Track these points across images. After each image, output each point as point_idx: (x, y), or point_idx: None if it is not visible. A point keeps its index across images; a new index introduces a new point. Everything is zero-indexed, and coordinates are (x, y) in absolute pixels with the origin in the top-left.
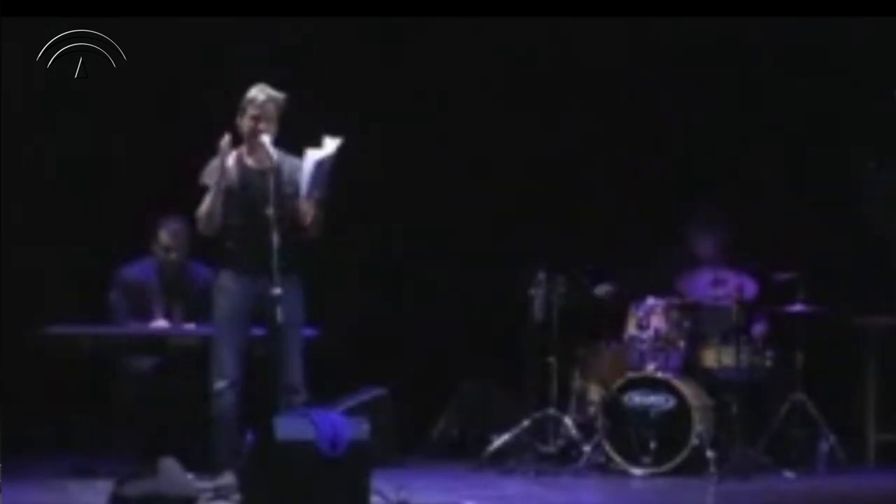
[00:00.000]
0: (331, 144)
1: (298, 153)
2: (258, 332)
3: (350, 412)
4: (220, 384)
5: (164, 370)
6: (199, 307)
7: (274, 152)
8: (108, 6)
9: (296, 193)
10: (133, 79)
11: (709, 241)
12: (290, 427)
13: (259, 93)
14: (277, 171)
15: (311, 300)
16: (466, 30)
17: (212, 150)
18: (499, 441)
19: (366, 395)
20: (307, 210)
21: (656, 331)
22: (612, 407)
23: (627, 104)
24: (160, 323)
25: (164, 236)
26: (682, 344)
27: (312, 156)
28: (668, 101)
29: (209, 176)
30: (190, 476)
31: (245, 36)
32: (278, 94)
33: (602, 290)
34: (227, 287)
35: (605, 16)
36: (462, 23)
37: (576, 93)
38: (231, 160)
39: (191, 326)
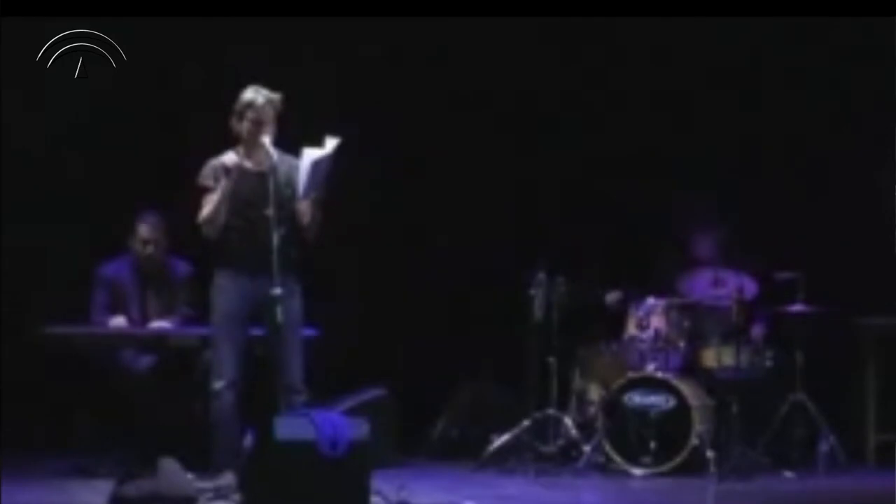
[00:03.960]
0: (330, 144)
1: (296, 152)
2: (257, 332)
3: (350, 412)
4: (218, 384)
5: (162, 370)
6: (179, 300)
7: (274, 153)
8: (108, 6)
9: (294, 194)
10: (132, 79)
11: (709, 241)
12: (290, 427)
13: (257, 96)
14: (276, 171)
15: (312, 300)
16: (470, 29)
17: (210, 151)
18: (499, 441)
19: (366, 395)
20: (304, 210)
21: (656, 331)
22: (612, 407)
23: (628, 104)
24: (118, 321)
25: (143, 229)
26: (682, 344)
27: (310, 155)
28: (668, 101)
29: (208, 177)
30: (190, 476)
31: (245, 36)
32: (275, 96)
33: (613, 297)
34: (226, 287)
35: (606, 16)
36: (465, 22)
37: (576, 93)
38: (230, 163)
39: (165, 324)
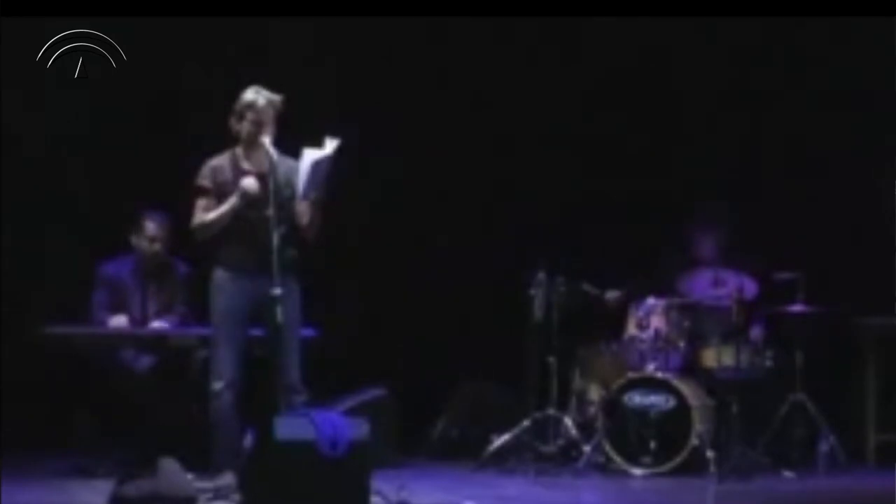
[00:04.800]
0: (330, 145)
1: (296, 153)
2: (256, 332)
3: (350, 412)
4: (217, 385)
5: (162, 370)
6: (178, 299)
7: (274, 153)
8: (108, 6)
9: (293, 195)
10: (132, 79)
11: (709, 241)
12: (290, 427)
13: (257, 97)
14: (276, 171)
15: (312, 300)
16: (470, 29)
17: (210, 151)
18: (499, 441)
19: (366, 395)
20: (304, 211)
21: (656, 331)
22: (612, 407)
23: (628, 105)
24: (118, 321)
25: (150, 227)
26: (682, 344)
27: (310, 156)
28: (668, 102)
29: (205, 178)
30: (190, 476)
31: (245, 36)
32: (275, 97)
33: (612, 295)
34: (225, 287)
35: (605, 16)
36: (466, 22)
37: (576, 93)
38: (226, 162)
39: (164, 324)
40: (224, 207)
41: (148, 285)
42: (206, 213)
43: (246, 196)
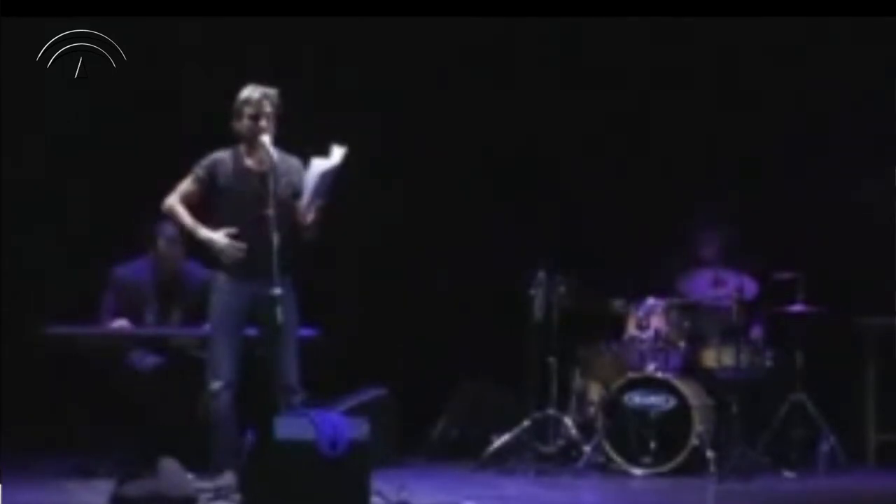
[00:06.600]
0: (336, 154)
1: (298, 154)
2: (253, 332)
3: (350, 412)
4: (215, 385)
5: (164, 370)
6: (196, 307)
7: (274, 153)
8: (108, 6)
9: (293, 196)
10: (130, 78)
11: (709, 241)
12: (290, 427)
13: (253, 92)
14: (276, 171)
15: (312, 300)
16: (471, 29)
17: (208, 152)
18: (499, 441)
19: (366, 395)
20: (305, 211)
21: (656, 331)
22: (612, 407)
23: (628, 104)
24: (120, 322)
25: (163, 245)
26: (682, 344)
27: (317, 166)
28: (668, 102)
29: (202, 168)
30: (190, 476)
31: (245, 36)
32: (271, 90)
33: (619, 304)
34: (223, 288)
35: (604, 16)
36: (465, 22)
37: (576, 93)
38: (229, 157)
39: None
40: (198, 232)
41: (166, 292)
42: (182, 204)
43: (217, 251)
